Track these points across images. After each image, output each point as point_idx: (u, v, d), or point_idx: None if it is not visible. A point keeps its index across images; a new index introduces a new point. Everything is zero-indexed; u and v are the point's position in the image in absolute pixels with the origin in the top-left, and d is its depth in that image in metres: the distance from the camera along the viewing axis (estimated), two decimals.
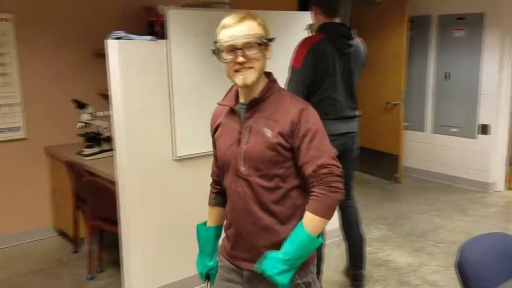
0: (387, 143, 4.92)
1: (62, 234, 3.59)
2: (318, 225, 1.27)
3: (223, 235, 1.51)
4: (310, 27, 2.68)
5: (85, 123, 3.23)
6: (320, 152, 1.29)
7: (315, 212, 1.27)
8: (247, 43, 1.28)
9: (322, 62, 2.37)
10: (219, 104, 1.47)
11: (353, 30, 2.52)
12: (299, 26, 2.87)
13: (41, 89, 3.49)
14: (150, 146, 2.52)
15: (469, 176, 4.70)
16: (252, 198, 1.34)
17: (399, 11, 4.67)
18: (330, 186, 1.27)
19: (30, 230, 3.51)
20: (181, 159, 2.62)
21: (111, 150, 2.85)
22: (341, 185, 1.30)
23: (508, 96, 4.52)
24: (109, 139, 3.16)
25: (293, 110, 1.32)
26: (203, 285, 1.56)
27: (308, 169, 1.28)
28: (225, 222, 1.48)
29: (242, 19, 1.29)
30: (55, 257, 3.28)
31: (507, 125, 4.57)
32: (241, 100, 1.39)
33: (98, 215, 2.86)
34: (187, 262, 2.22)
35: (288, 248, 1.27)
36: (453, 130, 4.79)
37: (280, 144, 1.30)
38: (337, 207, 2.77)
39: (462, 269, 1.41)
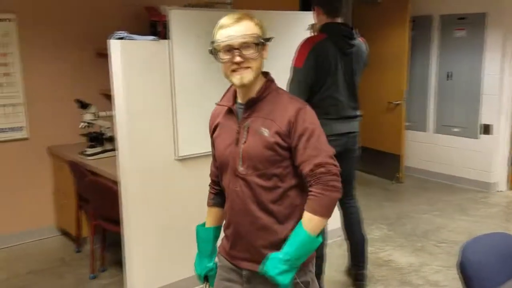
0: (389, 143, 4.92)
1: (64, 233, 3.60)
2: (317, 225, 1.28)
3: (222, 235, 1.51)
4: (312, 27, 2.69)
5: (88, 123, 3.24)
6: (317, 151, 1.29)
7: (314, 212, 1.27)
8: (244, 43, 1.29)
9: (324, 62, 2.38)
10: (217, 104, 1.48)
11: (355, 30, 2.53)
12: (301, 26, 2.87)
13: (44, 89, 3.50)
14: (152, 146, 2.52)
15: (471, 176, 4.69)
16: (250, 198, 1.35)
17: (401, 11, 4.67)
18: (327, 185, 1.27)
19: (33, 230, 3.52)
20: (183, 159, 2.63)
21: (113, 150, 2.86)
22: (338, 184, 1.30)
23: (510, 96, 4.51)
24: (111, 139, 3.17)
25: (290, 109, 1.32)
26: (203, 285, 1.56)
27: (306, 169, 1.29)
28: (224, 222, 1.49)
29: (239, 19, 1.30)
30: (58, 256, 3.30)
31: (509, 125, 4.56)
32: (239, 100, 1.40)
33: (101, 215, 2.87)
34: (189, 262, 2.22)
35: (288, 248, 1.28)
36: (455, 130, 4.78)
37: (277, 144, 1.31)
38: (339, 207, 2.80)
39: (464, 269, 1.41)
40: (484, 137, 4.58)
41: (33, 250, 3.40)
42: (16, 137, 3.42)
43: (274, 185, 1.34)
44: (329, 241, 2.73)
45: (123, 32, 2.40)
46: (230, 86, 1.43)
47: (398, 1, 4.68)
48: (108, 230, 2.86)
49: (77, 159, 3.17)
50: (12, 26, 3.33)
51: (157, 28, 3.33)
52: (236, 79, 1.31)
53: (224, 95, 1.46)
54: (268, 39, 1.35)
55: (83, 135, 3.37)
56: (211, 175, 1.56)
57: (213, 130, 1.47)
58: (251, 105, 1.36)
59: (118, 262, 2.83)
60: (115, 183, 2.57)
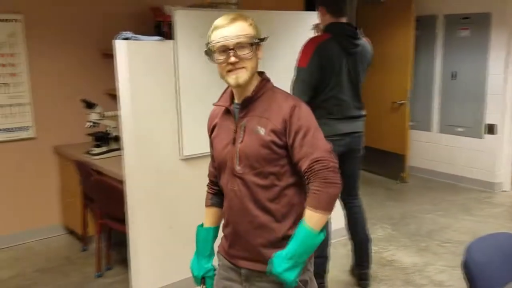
0: (393, 142, 4.91)
1: (70, 232, 3.63)
2: (319, 221, 1.27)
3: (221, 234, 1.52)
4: (316, 27, 2.69)
5: (94, 122, 3.26)
6: (313, 147, 1.29)
7: (314, 208, 1.27)
8: (239, 43, 1.29)
9: (328, 61, 2.38)
10: (214, 104, 1.49)
11: (360, 30, 2.53)
12: (305, 26, 2.88)
13: (50, 89, 3.53)
14: (157, 146, 2.54)
15: (475, 176, 4.68)
16: (248, 197, 1.35)
17: (405, 11, 4.66)
18: (326, 181, 1.26)
19: (39, 228, 3.55)
20: (188, 159, 2.65)
21: (119, 149, 2.87)
22: (337, 179, 1.28)
23: None
24: (117, 139, 3.19)
25: (285, 107, 1.32)
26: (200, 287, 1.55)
27: (303, 166, 1.29)
28: (222, 221, 1.49)
29: (233, 20, 1.31)
30: (64, 255, 3.32)
31: None
32: (236, 100, 1.41)
33: (106, 214, 2.89)
34: None
35: (291, 245, 1.28)
36: (460, 129, 4.77)
37: (273, 142, 1.31)
38: (343, 207, 2.80)
39: (468, 269, 1.41)
40: (488, 137, 4.57)
41: (39, 249, 3.43)
42: (23, 136, 3.45)
43: (271, 184, 1.34)
44: (333, 241, 2.73)
45: (129, 32, 2.42)
46: (227, 87, 1.44)
47: (402, 1, 4.67)
48: (114, 229, 2.88)
49: (83, 159, 3.19)
50: (18, 27, 3.36)
51: (162, 28, 3.35)
52: (232, 79, 1.32)
53: (221, 96, 1.47)
54: (262, 39, 1.35)
55: (89, 134, 3.40)
56: (209, 175, 1.57)
57: (211, 131, 1.48)
58: (247, 104, 1.37)
59: (123, 261, 2.85)
60: (121, 182, 2.58)
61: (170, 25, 2.57)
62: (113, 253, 3.13)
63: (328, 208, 1.28)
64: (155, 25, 3.54)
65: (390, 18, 4.79)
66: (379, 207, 4.17)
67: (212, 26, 1.33)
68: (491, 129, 4.55)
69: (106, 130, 3.36)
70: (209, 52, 1.33)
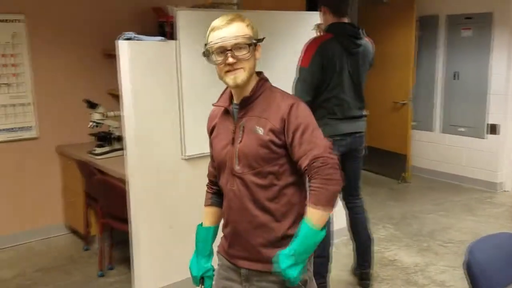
0: (395, 142, 4.91)
1: (73, 231, 3.64)
2: (320, 218, 1.27)
3: (220, 234, 1.52)
4: (318, 27, 2.69)
5: (96, 122, 3.27)
6: (312, 145, 1.29)
7: (315, 206, 1.27)
8: (236, 44, 1.30)
9: (330, 61, 2.39)
10: (214, 105, 1.49)
11: (362, 30, 2.53)
12: (307, 26, 2.88)
13: (53, 89, 3.54)
14: (160, 146, 2.55)
15: (478, 176, 4.68)
16: (247, 196, 1.36)
17: (407, 11, 4.66)
18: (326, 178, 1.26)
19: (41, 228, 3.57)
20: (190, 158, 2.65)
21: (121, 149, 2.89)
22: (337, 175, 1.28)
23: None
24: (119, 139, 3.20)
25: (283, 106, 1.33)
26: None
27: (303, 163, 1.29)
28: (222, 221, 1.50)
29: (230, 21, 1.31)
30: (66, 254, 3.33)
31: None
32: (235, 100, 1.41)
33: (109, 213, 2.90)
34: None
35: (293, 243, 1.29)
36: (462, 129, 4.77)
37: (272, 141, 1.32)
38: (345, 207, 2.80)
39: (470, 269, 1.41)
40: (490, 137, 4.56)
41: (41, 248, 3.45)
42: (26, 136, 3.47)
43: (270, 183, 1.34)
44: (335, 241, 2.74)
45: (131, 32, 2.43)
46: (226, 87, 1.44)
47: (404, 1, 4.67)
48: (116, 228, 2.89)
49: (86, 158, 3.20)
50: (21, 27, 3.37)
51: (164, 28, 3.36)
52: (230, 79, 1.33)
53: (220, 96, 1.48)
54: (260, 40, 1.36)
55: (92, 134, 3.41)
56: (208, 175, 1.57)
57: (210, 131, 1.49)
58: (245, 104, 1.37)
59: (126, 260, 2.86)
60: (123, 182, 2.59)
61: (172, 26, 2.58)
62: (115, 253, 3.13)
63: (329, 204, 1.27)
64: (157, 25, 3.55)
65: (392, 18, 4.79)
66: (381, 207, 4.17)
67: (210, 27, 1.34)
68: (493, 129, 4.54)
69: (109, 130, 3.37)
70: (207, 53, 1.33)
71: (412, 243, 3.44)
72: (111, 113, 3.29)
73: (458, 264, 2.93)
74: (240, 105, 1.38)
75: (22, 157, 3.47)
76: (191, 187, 2.67)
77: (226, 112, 1.42)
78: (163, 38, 2.56)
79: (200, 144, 2.64)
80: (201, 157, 2.66)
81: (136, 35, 2.43)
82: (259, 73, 1.41)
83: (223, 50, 1.30)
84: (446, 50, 4.82)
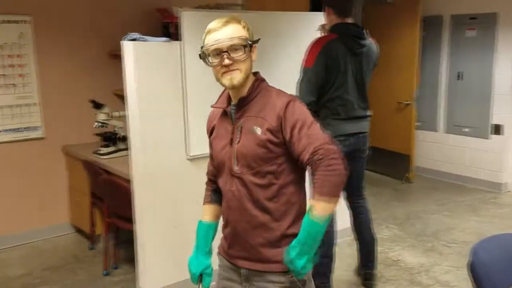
0: (399, 143, 4.91)
1: (78, 231, 3.67)
2: (323, 208, 1.26)
3: (220, 235, 1.52)
4: (322, 27, 2.70)
5: (102, 123, 3.29)
6: (311, 139, 1.28)
7: (319, 195, 1.26)
8: (232, 45, 1.30)
9: (334, 62, 2.39)
10: (212, 106, 1.50)
11: (366, 30, 2.54)
12: (311, 27, 2.89)
13: (58, 90, 3.57)
14: (164, 146, 2.56)
15: (482, 176, 4.66)
16: (246, 196, 1.36)
17: (411, 11, 4.65)
18: (327, 169, 1.25)
19: (47, 227, 3.59)
20: (195, 158, 2.67)
21: (126, 149, 2.90)
22: (339, 165, 1.26)
23: None
24: (124, 139, 3.21)
25: (279, 105, 1.33)
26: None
27: (304, 158, 1.29)
28: (222, 222, 1.50)
29: (226, 23, 1.32)
30: (72, 253, 3.36)
31: None
32: (232, 101, 1.42)
33: (114, 213, 2.92)
34: None
35: (298, 235, 1.30)
36: (466, 130, 4.76)
37: (269, 141, 1.32)
38: (348, 207, 2.81)
39: (474, 270, 1.42)
40: (495, 137, 4.55)
41: (47, 247, 3.47)
42: (32, 136, 3.49)
43: (269, 183, 1.35)
44: (338, 241, 2.74)
45: (136, 33, 2.45)
46: (225, 89, 1.45)
47: (409, 2, 4.67)
48: (121, 228, 2.91)
49: (91, 158, 3.23)
50: (27, 28, 3.40)
51: (169, 29, 3.38)
52: (226, 80, 1.34)
53: (219, 98, 1.49)
54: (255, 41, 1.37)
55: (97, 134, 3.43)
56: (208, 174, 1.59)
57: (210, 132, 1.50)
58: (242, 105, 1.38)
59: (130, 259, 2.88)
60: (128, 181, 2.61)
61: (177, 26, 2.59)
62: (121, 252, 3.16)
63: (332, 194, 1.26)
64: (162, 26, 3.58)
65: (396, 18, 4.79)
66: (385, 207, 4.17)
67: (206, 30, 1.35)
68: (497, 129, 4.53)
69: (114, 130, 3.39)
70: (204, 56, 1.34)
71: (416, 243, 3.44)
72: (116, 113, 3.32)
73: (462, 264, 2.93)
74: (237, 106, 1.39)
75: (29, 157, 3.50)
76: (196, 187, 2.66)
77: (225, 113, 1.43)
78: (167, 39, 2.58)
79: (204, 144, 2.61)
80: (205, 157, 2.65)
81: (141, 36, 2.44)
82: (255, 73, 1.42)
83: (219, 52, 1.31)
84: (450, 50, 4.81)
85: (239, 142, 1.36)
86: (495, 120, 4.53)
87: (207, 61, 1.34)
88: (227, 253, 1.47)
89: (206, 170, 2.83)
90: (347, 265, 3.00)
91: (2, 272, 3.10)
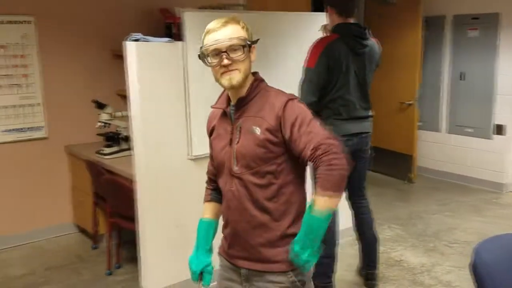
0: (401, 143, 4.90)
1: (81, 230, 3.68)
2: (325, 204, 1.26)
3: (221, 234, 1.53)
4: (324, 27, 2.70)
5: (104, 123, 3.30)
6: (311, 135, 1.28)
7: (321, 191, 1.26)
8: (231, 45, 1.31)
9: (336, 62, 2.39)
10: (212, 107, 1.51)
11: (368, 30, 2.54)
12: (313, 27, 2.89)
13: (61, 90, 3.58)
14: (167, 146, 2.57)
15: (484, 176, 4.66)
16: (246, 196, 1.37)
17: (413, 11, 4.65)
18: (329, 165, 1.25)
19: (50, 227, 3.61)
20: (197, 158, 2.67)
21: (129, 149, 2.92)
22: (340, 160, 1.26)
23: None
24: (127, 139, 3.23)
25: (278, 104, 1.33)
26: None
27: (306, 155, 1.29)
28: (222, 222, 1.51)
29: (225, 23, 1.33)
30: (75, 253, 3.37)
31: None
32: (231, 102, 1.43)
33: (117, 213, 2.93)
34: None
35: (300, 230, 1.31)
36: (468, 130, 4.75)
37: (268, 140, 1.32)
38: (350, 207, 2.81)
39: (476, 270, 1.42)
40: (497, 137, 4.54)
41: (51, 247, 3.49)
42: (35, 136, 3.51)
43: (268, 182, 1.35)
44: (340, 241, 2.74)
45: (138, 34, 2.45)
46: (224, 90, 1.46)
47: (411, 2, 4.66)
48: (124, 228, 2.92)
49: (94, 158, 3.24)
50: (31, 28, 3.42)
51: (171, 29, 3.38)
52: (225, 80, 1.34)
53: (218, 98, 1.50)
54: (254, 42, 1.37)
55: (100, 134, 3.44)
56: (208, 173, 1.60)
57: (210, 132, 1.51)
58: (241, 105, 1.39)
59: (133, 259, 2.89)
60: (131, 181, 2.62)
61: (179, 27, 2.60)
62: (123, 251, 3.17)
63: (335, 190, 1.26)
64: (165, 26, 3.58)
65: (398, 18, 4.78)
66: (387, 207, 4.17)
67: (205, 30, 1.35)
68: (500, 129, 4.52)
69: (117, 130, 3.40)
70: (203, 56, 1.35)
71: (418, 243, 3.44)
72: (119, 114, 3.33)
73: (464, 264, 2.93)
74: (236, 106, 1.39)
75: (32, 157, 3.52)
76: (198, 187, 2.65)
77: (224, 113, 1.44)
78: (170, 39, 2.58)
79: (206, 144, 2.63)
80: (207, 157, 2.66)
81: (144, 36, 2.45)
82: (254, 74, 1.42)
83: (218, 52, 1.32)
84: (452, 51, 4.81)
85: (238, 142, 1.36)
86: (497, 120, 4.53)
87: (206, 61, 1.35)
88: (227, 253, 1.48)
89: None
90: (349, 265, 3.00)
91: (5, 272, 3.11)
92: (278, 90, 1.41)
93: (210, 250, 1.53)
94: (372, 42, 2.55)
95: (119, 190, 2.80)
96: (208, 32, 1.34)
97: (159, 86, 2.51)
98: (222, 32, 1.31)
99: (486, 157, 4.63)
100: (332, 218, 2.83)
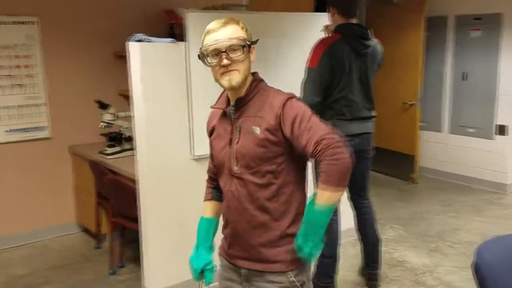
0: (403, 143, 4.90)
1: (85, 230, 3.69)
2: (328, 198, 1.27)
3: (220, 236, 1.53)
4: (326, 28, 2.71)
5: (107, 123, 3.32)
6: (312, 131, 1.29)
7: (324, 186, 1.27)
8: (231, 45, 1.31)
9: (338, 62, 2.40)
10: (212, 107, 1.52)
11: (370, 31, 2.54)
12: (315, 27, 2.90)
13: (65, 90, 3.60)
14: (169, 146, 2.58)
15: (486, 177, 4.65)
16: (245, 196, 1.37)
17: (416, 11, 4.65)
18: (332, 158, 1.25)
19: (54, 226, 3.62)
20: (200, 158, 2.68)
21: (132, 149, 2.92)
22: (343, 154, 1.26)
23: None
24: (130, 139, 3.24)
25: (277, 103, 1.33)
26: (199, 283, 1.53)
27: (309, 151, 1.28)
28: (222, 222, 1.51)
29: (225, 24, 1.34)
30: (78, 252, 3.39)
31: None
32: (231, 102, 1.43)
33: (119, 212, 2.94)
34: None
35: (302, 222, 1.33)
36: (470, 130, 4.74)
37: (268, 140, 1.32)
38: (352, 208, 2.81)
39: (478, 270, 1.41)
40: (499, 137, 4.54)
41: (54, 246, 3.50)
42: (39, 136, 3.53)
43: (268, 182, 1.35)
44: (342, 241, 2.75)
45: (142, 34, 2.47)
46: (224, 90, 1.46)
47: (414, 2, 4.66)
48: (127, 227, 2.94)
49: (97, 158, 3.25)
50: (35, 29, 3.44)
51: (174, 30, 3.39)
52: (225, 81, 1.35)
53: (218, 98, 1.50)
54: (254, 42, 1.38)
55: (103, 134, 3.46)
56: (208, 171, 1.60)
57: (210, 133, 1.52)
58: (240, 105, 1.39)
59: (136, 259, 2.90)
60: (134, 181, 2.63)
61: (182, 27, 2.61)
62: (126, 251, 3.18)
63: (338, 184, 1.27)
64: (168, 27, 3.59)
65: (400, 19, 4.78)
66: (389, 207, 4.17)
67: (205, 30, 1.36)
68: (502, 130, 4.51)
69: (120, 131, 3.41)
70: (202, 56, 1.35)
71: (420, 244, 3.44)
72: (122, 114, 3.34)
73: (466, 265, 2.92)
74: (235, 106, 1.40)
75: (36, 157, 3.53)
76: (200, 187, 2.65)
77: (224, 114, 1.44)
78: (173, 39, 2.59)
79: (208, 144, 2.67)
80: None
81: (147, 37, 2.46)
82: (253, 74, 1.43)
83: (217, 52, 1.32)
84: (454, 51, 4.80)
85: (238, 142, 1.37)
86: (499, 121, 4.52)
87: (205, 61, 1.35)
88: (227, 253, 1.48)
89: None
90: (351, 265, 3.01)
91: (8, 271, 3.13)
92: (277, 89, 1.42)
93: (210, 248, 1.53)
94: (375, 42, 2.56)
95: (121, 190, 2.81)
96: (207, 32, 1.35)
97: (162, 87, 2.52)
98: (222, 32, 1.32)
99: (488, 158, 4.62)
100: (334, 217, 2.84)
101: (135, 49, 2.42)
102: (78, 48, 3.61)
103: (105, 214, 3.35)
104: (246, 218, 1.38)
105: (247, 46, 1.34)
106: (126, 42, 2.43)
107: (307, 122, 1.30)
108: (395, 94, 4.87)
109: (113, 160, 3.21)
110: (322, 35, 2.66)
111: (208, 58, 1.34)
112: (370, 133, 2.58)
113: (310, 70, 2.40)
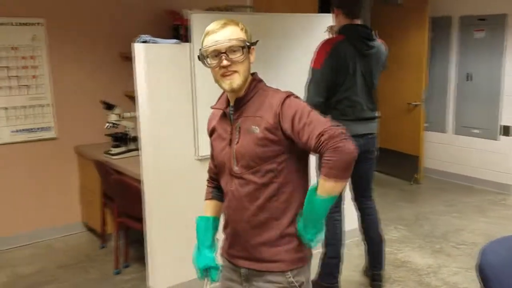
0: (408, 144, 4.90)
1: (90, 230, 3.71)
2: (330, 189, 1.28)
3: (221, 236, 1.54)
4: (330, 28, 2.71)
5: (113, 123, 3.34)
6: (312, 125, 1.29)
7: (325, 177, 1.27)
8: (230, 47, 1.32)
9: (342, 63, 2.40)
10: (212, 107, 1.52)
11: (374, 32, 2.54)
12: (319, 28, 2.91)
13: (71, 91, 3.62)
14: (174, 146, 2.60)
15: (490, 177, 4.64)
16: (246, 196, 1.37)
17: (420, 12, 4.65)
18: (334, 149, 1.24)
19: (59, 226, 3.65)
20: (204, 159, 2.69)
21: (137, 149, 2.94)
22: (346, 145, 1.25)
23: None
24: (135, 139, 3.26)
25: (275, 102, 1.34)
26: (204, 282, 1.53)
27: (312, 145, 1.28)
28: (223, 222, 1.52)
29: (224, 25, 1.34)
30: (83, 252, 3.41)
31: None
32: (230, 102, 1.44)
33: (125, 212, 2.96)
34: None
35: (302, 210, 1.34)
36: (475, 131, 4.73)
37: (267, 139, 1.33)
38: (356, 208, 2.81)
39: (483, 271, 1.41)
40: (503, 138, 4.52)
41: (60, 246, 3.52)
42: (45, 136, 3.55)
43: (269, 181, 1.35)
44: (346, 241, 2.75)
45: (147, 35, 2.48)
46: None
47: (418, 2, 4.66)
48: (132, 227, 2.95)
49: (103, 158, 3.27)
50: (41, 30, 3.46)
51: (179, 31, 3.41)
52: (226, 84, 1.35)
53: (218, 99, 1.51)
54: (254, 43, 1.39)
55: (108, 135, 3.48)
56: (209, 171, 1.61)
57: (210, 133, 1.52)
58: (240, 105, 1.40)
59: (141, 258, 2.91)
60: (139, 181, 2.64)
61: (187, 29, 2.63)
62: (131, 251, 3.19)
63: (340, 176, 1.27)
64: (173, 28, 3.61)
65: (404, 19, 4.78)
66: (393, 208, 4.17)
67: (205, 32, 1.37)
68: (506, 130, 4.50)
69: (125, 131, 3.43)
70: (202, 57, 1.36)
71: (424, 244, 3.43)
72: (127, 114, 3.36)
73: (470, 266, 2.93)
74: (235, 106, 1.41)
75: (42, 157, 3.56)
76: (205, 187, 2.70)
77: (224, 114, 1.45)
78: (178, 41, 2.61)
79: None
80: None
81: (152, 38, 2.48)
82: (252, 74, 1.44)
83: (217, 53, 1.33)
84: (459, 52, 4.79)
85: (238, 142, 1.37)
86: (503, 121, 4.51)
87: (205, 62, 1.36)
88: (227, 253, 1.49)
89: None
90: (355, 266, 3.01)
91: (13, 270, 3.15)
92: (276, 89, 1.42)
93: (212, 246, 1.53)
94: (379, 43, 2.56)
95: (127, 190, 2.83)
96: (207, 33, 1.35)
97: (167, 87, 2.54)
98: (221, 33, 1.33)
99: (492, 158, 4.61)
100: (338, 218, 2.83)
101: (140, 50, 2.44)
102: (83, 49, 3.63)
103: (110, 214, 3.37)
104: (246, 218, 1.39)
105: (246, 47, 1.35)
106: (132, 43, 2.45)
107: (307, 117, 1.31)
108: (399, 94, 4.87)
109: (118, 160, 3.23)
110: (326, 36, 2.67)
111: (208, 59, 1.35)
112: (374, 133, 2.59)
113: (314, 71, 2.41)
